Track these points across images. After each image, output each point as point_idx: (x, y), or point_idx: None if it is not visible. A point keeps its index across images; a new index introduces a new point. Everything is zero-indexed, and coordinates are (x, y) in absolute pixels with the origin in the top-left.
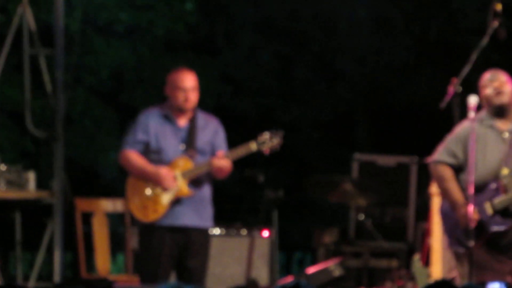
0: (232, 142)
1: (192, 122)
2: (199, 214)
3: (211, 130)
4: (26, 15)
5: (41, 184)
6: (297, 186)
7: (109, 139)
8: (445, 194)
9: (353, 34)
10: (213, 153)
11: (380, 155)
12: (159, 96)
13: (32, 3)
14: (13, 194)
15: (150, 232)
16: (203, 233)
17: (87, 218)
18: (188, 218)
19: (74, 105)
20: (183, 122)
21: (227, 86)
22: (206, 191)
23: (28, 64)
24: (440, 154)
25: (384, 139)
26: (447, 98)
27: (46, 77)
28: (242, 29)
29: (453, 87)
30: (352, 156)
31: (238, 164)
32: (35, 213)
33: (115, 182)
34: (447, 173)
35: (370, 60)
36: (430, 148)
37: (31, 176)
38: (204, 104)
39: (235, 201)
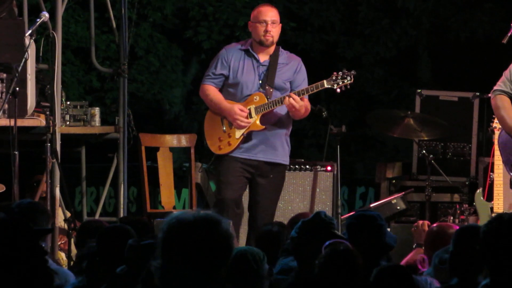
0: None
1: (273, 58)
2: (272, 149)
3: (292, 68)
4: None
5: (106, 120)
6: (360, 121)
7: (173, 75)
8: (501, 122)
9: None
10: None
11: (443, 91)
12: (223, 32)
13: None
14: (78, 130)
15: (222, 160)
16: (276, 168)
17: (152, 153)
18: (260, 153)
19: (138, 41)
20: (264, 58)
21: (290, 22)
22: (282, 128)
23: (93, 0)
24: (498, 85)
25: (447, 74)
26: (509, 34)
27: (111, 13)
28: None
29: None
30: (414, 92)
31: None
32: (100, 149)
33: (179, 118)
34: (504, 101)
35: None
36: (492, 84)
37: (96, 112)
38: None
39: (298, 136)
